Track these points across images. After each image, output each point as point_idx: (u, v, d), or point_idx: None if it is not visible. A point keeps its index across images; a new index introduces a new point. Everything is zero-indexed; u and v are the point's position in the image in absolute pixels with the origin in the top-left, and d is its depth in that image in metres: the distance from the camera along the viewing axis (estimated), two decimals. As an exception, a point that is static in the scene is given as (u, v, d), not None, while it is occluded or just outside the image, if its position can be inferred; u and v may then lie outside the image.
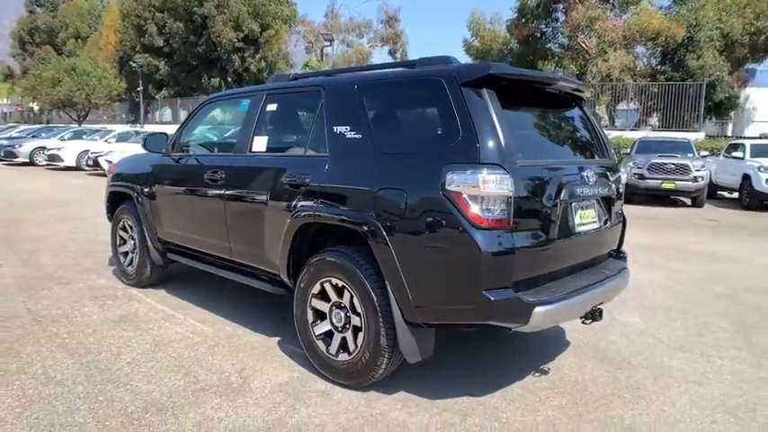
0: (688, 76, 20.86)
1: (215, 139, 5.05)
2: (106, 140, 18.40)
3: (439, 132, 2.79)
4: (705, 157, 14.32)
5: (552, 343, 3.93)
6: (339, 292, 3.13)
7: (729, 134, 23.82)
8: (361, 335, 3.00)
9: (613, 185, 3.40)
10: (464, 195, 2.54)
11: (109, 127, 25.65)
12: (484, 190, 2.52)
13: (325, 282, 3.17)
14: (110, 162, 15.59)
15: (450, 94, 2.73)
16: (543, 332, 4.03)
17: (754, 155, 13.20)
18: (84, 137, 20.04)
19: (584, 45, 24.17)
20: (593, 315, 3.10)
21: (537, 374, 3.42)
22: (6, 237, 7.17)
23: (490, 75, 2.69)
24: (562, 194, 2.85)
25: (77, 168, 17.98)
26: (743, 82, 23.40)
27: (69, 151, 17.92)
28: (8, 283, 5.05)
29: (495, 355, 3.70)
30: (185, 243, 4.41)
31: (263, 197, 3.53)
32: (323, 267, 3.15)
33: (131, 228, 4.97)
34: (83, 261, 5.96)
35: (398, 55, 33.21)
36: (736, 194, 13.81)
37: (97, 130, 21.30)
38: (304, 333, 3.32)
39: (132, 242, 5.02)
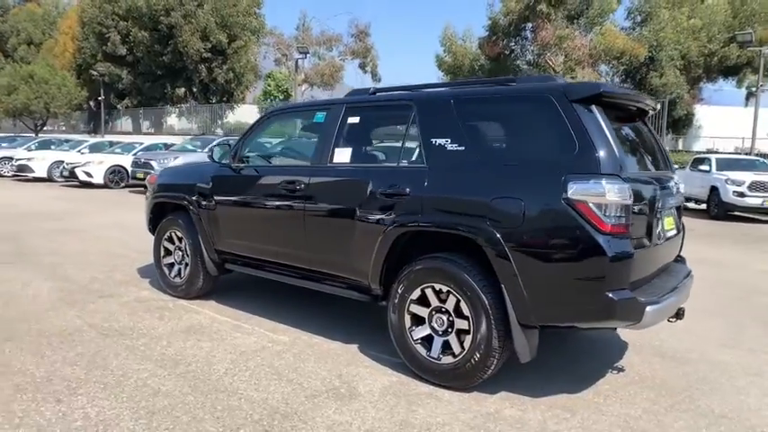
0: (650, 94, 22.03)
1: (280, 149, 5.10)
2: (79, 151, 17.81)
3: (552, 145, 3.00)
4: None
5: (613, 345, 4.17)
6: (441, 296, 3.27)
7: (680, 148, 25.27)
8: (468, 337, 3.14)
9: (680, 195, 3.70)
10: (589, 204, 2.75)
11: (78, 137, 24.74)
12: (608, 198, 2.74)
13: (427, 287, 3.30)
14: (88, 174, 15.16)
15: (562, 109, 2.94)
16: (601, 335, 4.29)
17: (719, 168, 14.10)
18: (53, 147, 19.32)
19: (550, 63, 25.24)
20: (678, 314, 3.36)
21: (615, 372, 3.64)
22: (18, 251, 6.92)
23: (602, 92, 2.93)
24: (658, 203, 3.11)
25: (49, 179, 17.30)
26: (697, 100, 24.95)
27: (40, 162, 17.25)
28: (51, 298, 4.92)
29: (570, 356, 3.91)
30: (250, 253, 4.44)
31: (352, 207, 3.63)
32: (426, 273, 3.29)
33: (180, 239, 4.94)
34: (112, 274, 5.84)
35: (369, 68, 33.60)
36: (702, 205, 14.68)
37: (66, 140, 20.58)
38: (401, 338, 3.43)
39: (180, 253, 5.00)
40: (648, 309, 2.84)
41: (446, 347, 3.27)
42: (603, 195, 2.74)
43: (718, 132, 22.93)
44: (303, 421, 2.85)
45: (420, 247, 3.44)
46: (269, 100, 34.54)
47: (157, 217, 5.22)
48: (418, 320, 3.39)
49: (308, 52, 28.13)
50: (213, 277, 4.87)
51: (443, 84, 3.72)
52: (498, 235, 2.95)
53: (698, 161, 15.45)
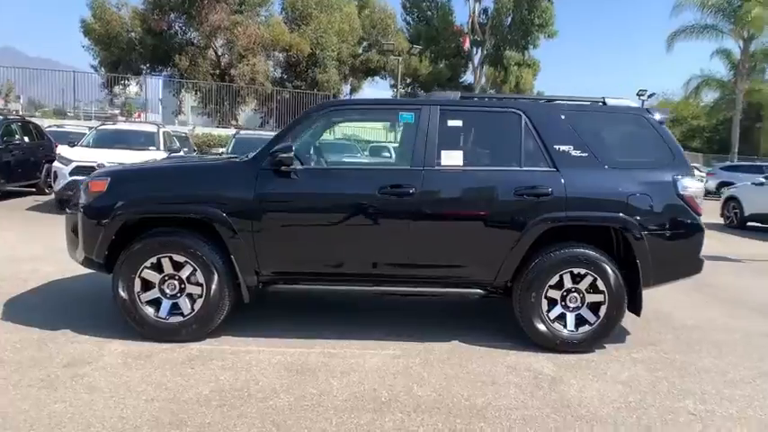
0: (314, 87, 24.67)
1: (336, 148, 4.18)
2: None
3: (655, 153, 4.02)
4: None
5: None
6: (576, 279, 3.91)
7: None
8: (604, 307, 3.91)
9: None
10: (693, 196, 3.93)
11: None
12: (701, 191, 3.99)
13: (565, 272, 3.89)
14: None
15: (654, 126, 4.02)
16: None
17: None
18: None
19: (213, 47, 25.07)
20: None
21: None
22: None
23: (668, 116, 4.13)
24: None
25: None
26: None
27: None
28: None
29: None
30: (323, 268, 3.88)
31: (482, 208, 3.84)
32: (566, 261, 3.85)
33: (179, 265, 3.77)
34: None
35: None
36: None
37: None
38: (535, 321, 3.87)
39: (175, 284, 3.81)
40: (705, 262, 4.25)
41: (582, 319, 3.95)
42: (700, 189, 3.98)
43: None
44: (574, 407, 3.13)
45: (544, 242, 3.93)
46: None
47: (120, 241, 3.75)
48: (554, 303, 3.94)
49: None
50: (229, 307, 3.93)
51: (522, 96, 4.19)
52: (637, 223, 3.83)
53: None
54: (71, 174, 9.53)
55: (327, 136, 4.95)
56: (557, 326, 3.92)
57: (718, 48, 27.30)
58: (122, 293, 3.75)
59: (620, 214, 3.84)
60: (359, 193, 3.83)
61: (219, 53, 25.62)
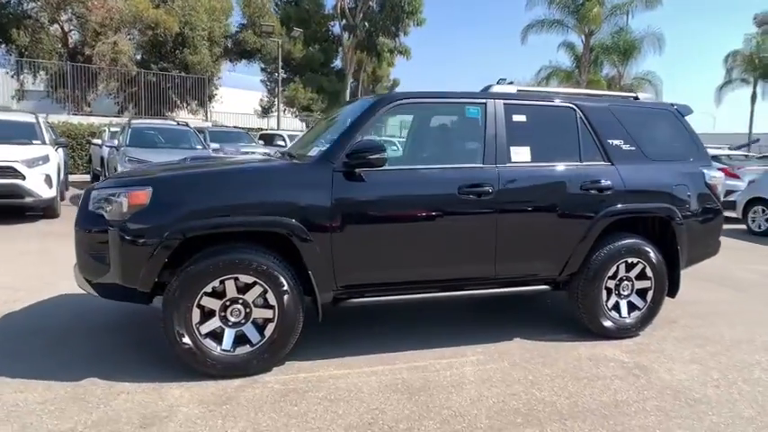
0: (183, 69, 22.61)
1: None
2: None
3: (684, 145, 4.32)
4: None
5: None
6: (629, 268, 4.10)
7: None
8: (650, 293, 4.17)
9: None
10: (716, 185, 4.33)
11: None
12: (722, 180, 4.39)
13: (621, 263, 4.06)
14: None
15: (681, 122, 4.35)
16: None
17: None
18: None
19: (59, 22, 21.90)
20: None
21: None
22: None
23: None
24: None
25: None
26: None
27: None
28: None
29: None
30: (400, 277, 3.61)
31: (554, 205, 3.84)
32: (623, 252, 4.02)
33: (243, 288, 3.23)
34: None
35: None
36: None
37: None
38: (596, 312, 4.00)
39: (240, 309, 3.27)
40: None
41: (631, 306, 4.16)
42: (721, 178, 4.39)
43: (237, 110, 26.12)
44: (686, 392, 3.30)
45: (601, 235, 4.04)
46: None
47: (169, 263, 3.10)
48: (610, 292, 4.09)
49: None
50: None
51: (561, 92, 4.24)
52: (679, 212, 4.11)
53: None
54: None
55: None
56: (614, 314, 4.09)
57: (564, 41, 30.32)
58: (178, 328, 3.11)
59: (669, 204, 4.10)
60: (441, 194, 3.60)
61: (67, 29, 22.35)
